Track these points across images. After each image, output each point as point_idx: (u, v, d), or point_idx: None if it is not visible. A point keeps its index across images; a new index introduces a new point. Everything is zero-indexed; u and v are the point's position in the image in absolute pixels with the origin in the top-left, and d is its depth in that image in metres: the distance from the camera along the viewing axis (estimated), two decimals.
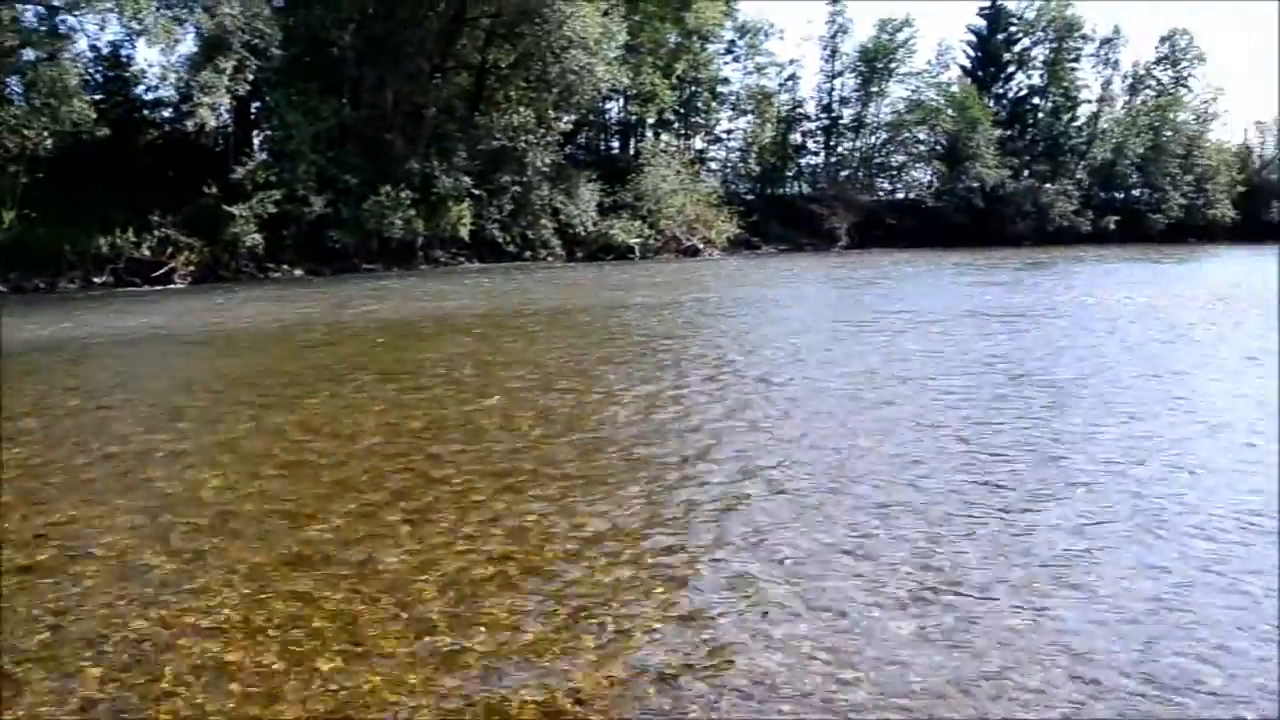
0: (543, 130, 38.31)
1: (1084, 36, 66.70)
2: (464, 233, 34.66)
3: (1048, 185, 62.49)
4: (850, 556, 5.92)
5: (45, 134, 26.69)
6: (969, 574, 5.68)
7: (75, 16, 28.13)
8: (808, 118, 60.43)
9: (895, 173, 63.94)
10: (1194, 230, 67.50)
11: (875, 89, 59.90)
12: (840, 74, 60.22)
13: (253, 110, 34.65)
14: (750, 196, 54.92)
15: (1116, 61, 68.88)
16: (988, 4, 66.17)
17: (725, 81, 55.64)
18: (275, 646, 4.75)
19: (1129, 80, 70.43)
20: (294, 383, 12.27)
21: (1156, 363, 13.88)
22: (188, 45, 30.18)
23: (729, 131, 57.77)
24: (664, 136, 51.72)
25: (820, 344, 15.71)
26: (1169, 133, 68.57)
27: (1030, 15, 66.06)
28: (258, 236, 29.53)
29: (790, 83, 58.80)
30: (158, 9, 28.24)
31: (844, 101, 60.59)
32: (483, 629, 4.93)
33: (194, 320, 19.42)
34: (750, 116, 57.03)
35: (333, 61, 33.42)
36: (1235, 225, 69.68)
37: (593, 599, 5.31)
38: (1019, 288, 27.58)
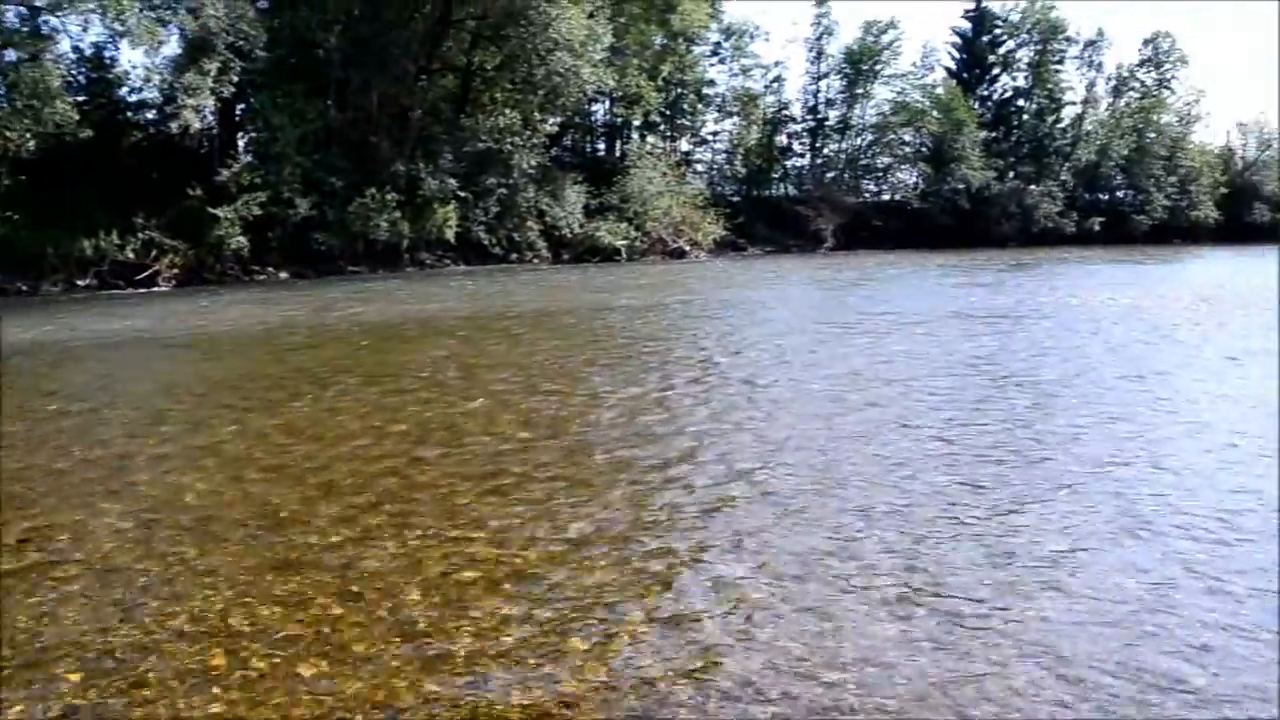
0: (528, 132, 38.26)
1: (1068, 39, 67.04)
2: (450, 235, 34.60)
3: (1032, 187, 62.71)
4: (835, 558, 5.94)
5: (28, 136, 26.58)
6: (953, 576, 5.70)
7: (58, 17, 27.98)
8: (793, 119, 60.59)
9: (881, 174, 64.09)
10: (1178, 231, 67.86)
11: (860, 91, 60.02)
12: (825, 76, 60.38)
13: (238, 112, 34.50)
14: (736, 198, 54.93)
15: (1100, 64, 69.25)
16: (972, 6, 66.45)
17: (711, 83, 55.74)
18: (259, 651, 4.74)
19: (1113, 82, 70.79)
20: (278, 386, 12.24)
21: (1140, 363, 13.94)
22: (172, 47, 30.11)
23: (715, 133, 57.90)
24: (650, 138, 51.75)
25: (805, 346, 15.73)
26: (1152, 134, 68.91)
27: (1015, 18, 66.36)
28: (243, 239, 29.41)
29: (776, 85, 58.96)
30: (141, 10, 28.09)
31: (829, 103, 60.73)
32: (468, 632, 4.93)
33: (178, 323, 19.34)
34: (736, 118, 57.13)
35: (318, 63, 33.32)
36: (1218, 226, 70.10)
37: (578, 602, 5.31)
38: (1003, 289, 27.67)
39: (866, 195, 62.38)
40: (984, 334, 17.02)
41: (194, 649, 4.76)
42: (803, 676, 4.48)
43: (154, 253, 28.00)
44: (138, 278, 27.26)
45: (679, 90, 52.06)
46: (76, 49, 30.63)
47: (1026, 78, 67.27)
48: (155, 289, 27.11)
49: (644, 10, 44.44)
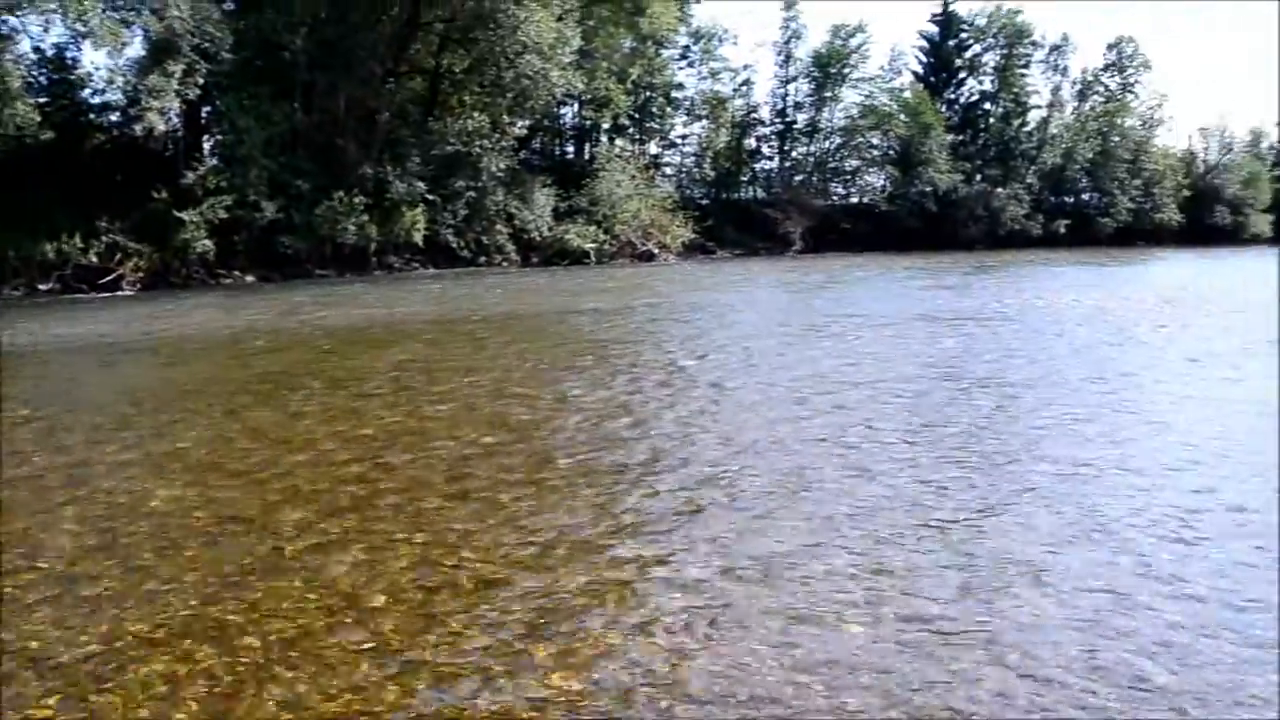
0: (497, 135, 38.18)
1: (1034, 43, 67.81)
2: (418, 238, 34.47)
3: (999, 190, 63.22)
4: (802, 562, 5.96)
5: None
6: (919, 579, 5.73)
7: (17, 17, 27.61)
8: (762, 123, 60.85)
9: (849, 177, 64.37)
10: (1141, 234, 68.69)
11: (829, 94, 60.30)
12: (794, 79, 60.65)
13: (203, 115, 34.24)
14: (705, 201, 55.02)
15: (1065, 68, 70.11)
16: (939, 11, 66.97)
17: (680, 87, 55.84)
18: (225, 659, 4.71)
19: (1078, 86, 71.66)
20: (242, 391, 12.15)
21: (1104, 365, 14.08)
22: (135, 48, 29.79)
23: (684, 136, 58.01)
24: (619, 141, 51.76)
25: (772, 349, 15.77)
26: (1117, 138, 69.70)
27: (981, 22, 66.98)
28: (208, 242, 29.17)
29: (745, 88, 59.16)
30: (103, 11, 27.82)
31: (798, 106, 60.99)
32: (435, 639, 4.92)
33: (142, 327, 19.15)
34: (705, 121, 57.25)
35: (284, 66, 33.09)
36: (1181, 229, 71.10)
37: (545, 608, 5.31)
38: (970, 291, 27.86)
39: (835, 198, 62.65)
40: (950, 336, 17.14)
41: (158, 657, 4.73)
42: (770, 680, 4.50)
43: (118, 256, 27.72)
44: (101, 281, 26.96)
45: (648, 93, 52.12)
46: (38, 49, 30.30)
47: (993, 81, 67.93)
48: (119, 293, 26.83)
49: (613, 13, 44.40)
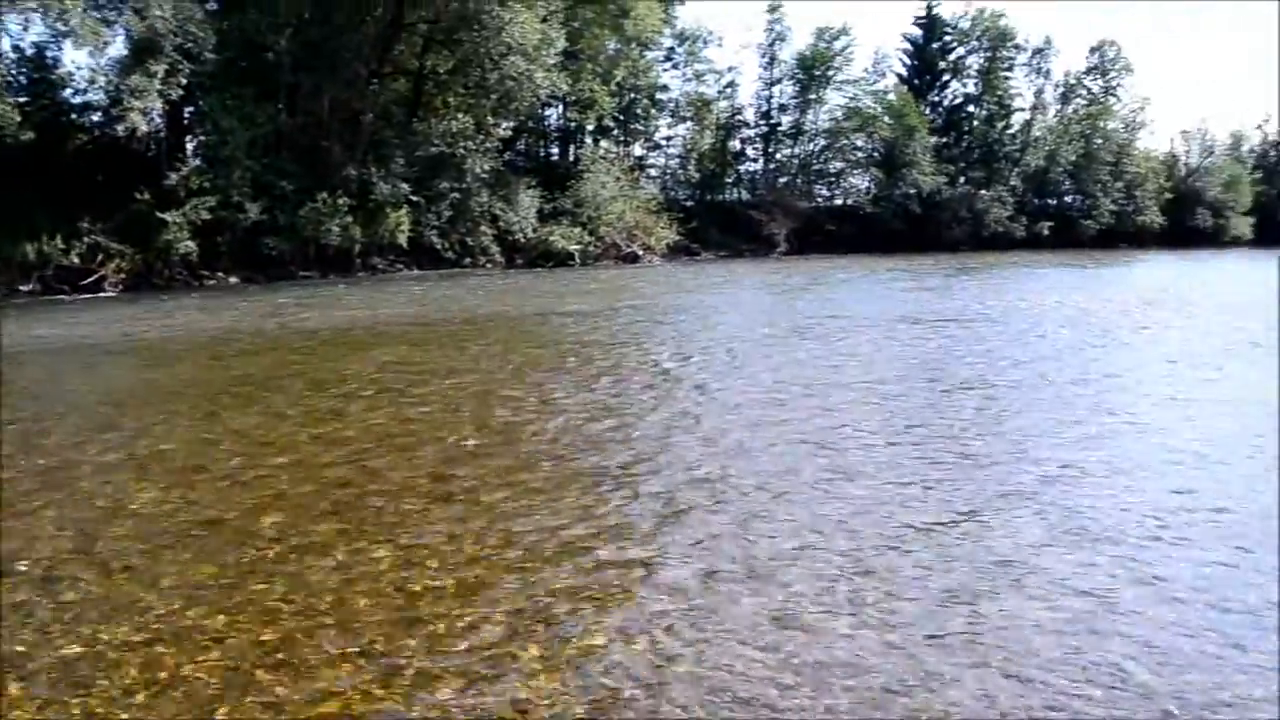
0: (481, 137, 38.11)
1: (1017, 46, 68.10)
2: (402, 240, 34.37)
3: (983, 192, 63.48)
4: (787, 564, 5.97)
5: None
6: (904, 580, 5.75)
7: None
8: (746, 124, 60.90)
9: (833, 179, 64.50)
10: (1124, 236, 69.07)
11: (813, 96, 60.41)
12: (778, 81, 60.76)
13: (186, 115, 34.06)
14: (690, 203, 55.02)
15: (1048, 71, 70.44)
16: (923, 13, 67.19)
17: (664, 88, 55.81)
18: (207, 661, 4.69)
19: (1060, 89, 72.01)
20: (225, 393, 12.09)
21: (1087, 366, 14.15)
22: (117, 48, 29.61)
23: (668, 138, 57.99)
24: (603, 143, 51.69)
25: (756, 351, 15.80)
26: (1099, 141, 70.05)
27: (965, 25, 67.23)
28: (191, 244, 29.01)
29: (729, 90, 59.20)
30: (84, 10, 27.64)
31: (782, 108, 61.10)
32: (418, 642, 4.91)
33: (124, 329, 19.05)
34: (689, 123, 57.23)
35: (268, 66, 32.97)
36: (1163, 231, 71.57)
37: (530, 611, 5.30)
38: (953, 293, 27.95)
39: (819, 200, 62.77)
40: (934, 338, 17.20)
41: (140, 660, 4.71)
42: (756, 681, 4.51)
43: (100, 257, 27.53)
44: (83, 283, 26.76)
45: (632, 95, 52.08)
46: (17, 48, 30.05)
47: (976, 84, 68.19)
48: (101, 294, 26.66)
49: (597, 15, 44.39)
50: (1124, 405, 11.32)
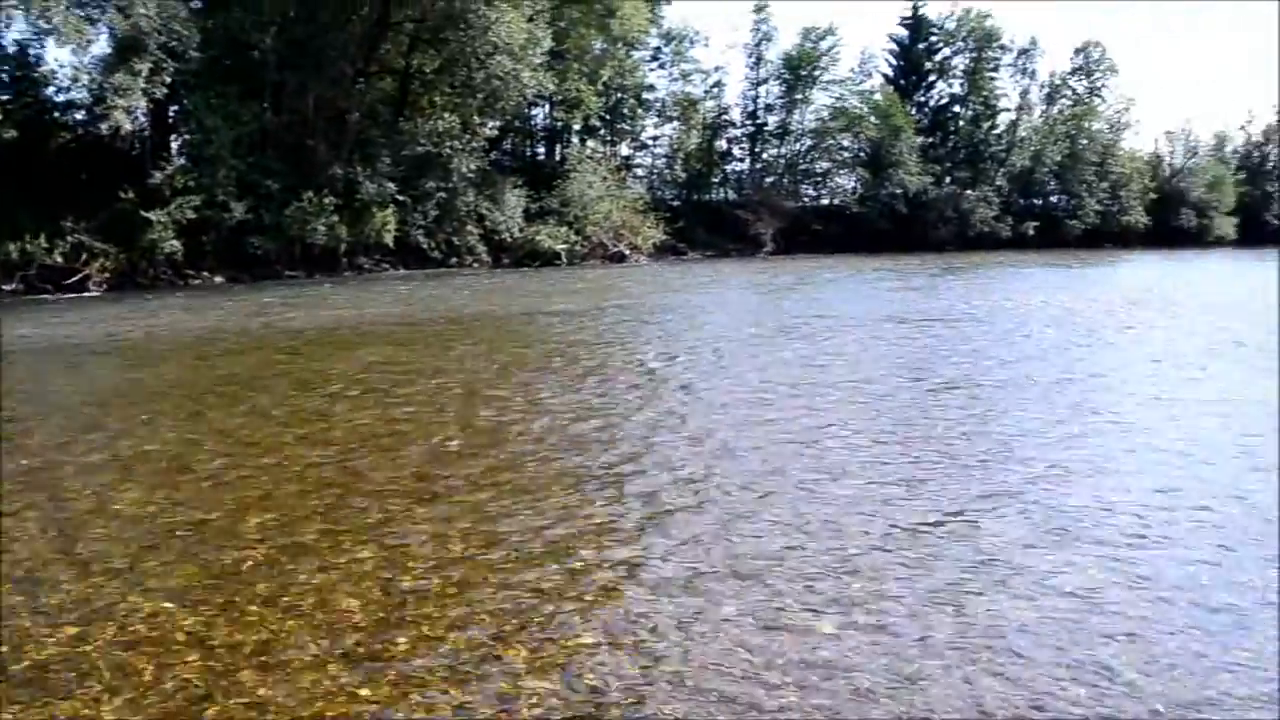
0: (468, 136, 38.05)
1: (1002, 47, 68.32)
2: (388, 239, 34.31)
3: (969, 192, 63.68)
4: (773, 563, 5.97)
5: None
6: (891, 579, 5.76)
7: None
8: (733, 124, 60.95)
9: (820, 179, 64.64)
10: (1109, 236, 69.37)
11: (800, 96, 60.50)
12: (765, 81, 60.86)
13: (170, 114, 33.93)
14: (676, 203, 55.05)
15: (1034, 71, 70.70)
16: (909, 14, 67.34)
17: (651, 88, 55.84)
18: (192, 663, 4.67)
19: (1046, 90, 72.27)
20: (209, 393, 12.04)
21: (1073, 366, 14.20)
22: (101, 46, 29.48)
23: (655, 138, 57.99)
24: (590, 143, 51.65)
25: (741, 351, 15.81)
26: (1084, 141, 70.34)
27: (951, 25, 67.42)
28: (176, 243, 28.90)
29: (716, 89, 59.24)
30: (67, 8, 27.51)
31: (769, 108, 61.18)
32: (405, 643, 4.90)
33: (108, 329, 18.96)
34: (676, 123, 57.22)
35: (253, 65, 32.88)
36: (1148, 231, 71.94)
37: (517, 611, 5.29)
38: (939, 293, 28.02)
39: (805, 200, 62.90)
40: (920, 338, 17.23)
41: (123, 661, 4.68)
42: (742, 679, 4.51)
43: (84, 256, 27.39)
44: (66, 282, 26.63)
45: (619, 95, 52.06)
46: None
47: (962, 84, 68.41)
48: (86, 294, 26.53)
49: (584, 15, 44.38)
50: (1108, 405, 11.35)
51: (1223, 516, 6.92)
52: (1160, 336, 17.92)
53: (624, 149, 56.29)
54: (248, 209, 30.53)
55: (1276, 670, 4.62)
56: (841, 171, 63.86)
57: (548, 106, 48.83)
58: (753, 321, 20.82)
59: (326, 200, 32.01)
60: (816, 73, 60.23)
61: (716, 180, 60.35)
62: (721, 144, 60.27)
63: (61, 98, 32.11)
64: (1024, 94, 70.77)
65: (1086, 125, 71.09)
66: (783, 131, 61.20)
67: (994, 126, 69.31)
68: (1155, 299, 26.45)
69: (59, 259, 26.74)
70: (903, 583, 5.69)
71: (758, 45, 60.16)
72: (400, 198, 34.72)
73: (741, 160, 61.71)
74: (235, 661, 4.69)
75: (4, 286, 25.71)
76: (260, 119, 32.56)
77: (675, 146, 57.10)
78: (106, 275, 27.84)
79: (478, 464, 8.33)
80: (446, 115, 37.84)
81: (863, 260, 45.50)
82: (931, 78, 68.28)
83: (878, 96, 62.53)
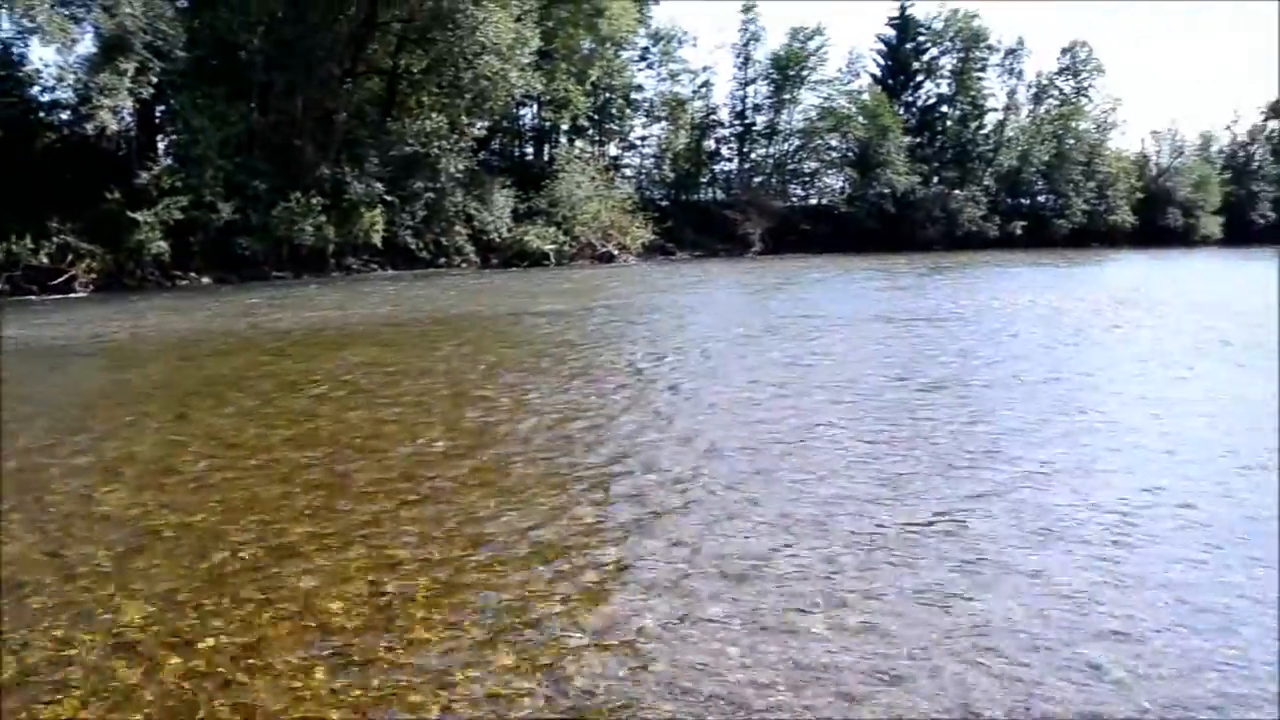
0: (456, 136, 38.00)
1: (989, 47, 68.58)
2: (376, 239, 34.26)
3: (956, 191, 63.85)
4: (762, 564, 5.97)
5: None
6: (878, 579, 5.76)
7: None
8: (721, 124, 61.03)
9: (808, 179, 64.78)
10: (1096, 235, 69.62)
11: (788, 96, 60.63)
12: (753, 81, 60.95)
13: (157, 114, 33.81)
14: (665, 203, 55.12)
15: (1021, 71, 70.96)
16: (897, 14, 67.50)
17: (639, 88, 55.93)
18: (179, 666, 4.65)
19: (1033, 90, 72.53)
20: (196, 394, 12.00)
21: (1060, 366, 14.23)
22: (86, 45, 29.36)
23: (643, 138, 58.08)
24: (578, 143, 51.67)
25: (729, 351, 15.82)
26: (1071, 141, 70.63)
27: (938, 25, 67.59)
28: (163, 244, 28.80)
29: (704, 89, 59.37)
30: (51, 7, 27.39)
31: (757, 108, 61.27)
32: (393, 645, 4.88)
33: (94, 330, 18.88)
34: (664, 123, 57.34)
35: (240, 65, 32.80)
36: (1134, 230, 72.22)
37: (507, 612, 5.28)
38: (927, 292, 28.07)
39: (794, 200, 63.03)
40: (908, 337, 17.26)
41: (109, 664, 4.66)
42: (731, 681, 4.51)
43: (70, 257, 27.27)
44: (52, 283, 26.50)
45: (607, 95, 52.08)
46: None
47: (950, 84, 68.62)
48: (72, 295, 26.43)
49: (572, 14, 44.39)
50: (1095, 404, 11.39)
51: (1209, 515, 6.94)
52: (1147, 336, 17.98)
53: (612, 149, 56.41)
54: (235, 209, 30.45)
55: (1263, 670, 4.64)
56: (829, 171, 64.08)
57: (536, 106, 48.81)
58: (740, 321, 20.83)
59: (314, 201, 31.95)
60: (804, 73, 60.37)
61: (705, 180, 60.43)
62: (710, 144, 60.39)
63: (46, 97, 32.05)
64: (1011, 94, 71.09)
65: (1073, 125, 71.39)
66: (771, 131, 61.32)
67: (981, 126, 69.53)
68: (1142, 298, 26.54)
69: (45, 260, 26.62)
70: (891, 582, 5.70)
71: (746, 45, 60.30)
72: (388, 198, 34.67)
73: (730, 160, 61.88)
74: (222, 664, 4.67)
75: None
76: (247, 119, 32.48)
77: (663, 146, 57.19)
78: (93, 276, 27.73)
79: (464, 465, 8.32)
80: (434, 115, 37.78)
81: (851, 260, 45.58)
82: (919, 78, 68.46)
83: (865, 96, 62.66)
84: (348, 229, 33.39)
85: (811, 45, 60.08)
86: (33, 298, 25.45)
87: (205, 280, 30.31)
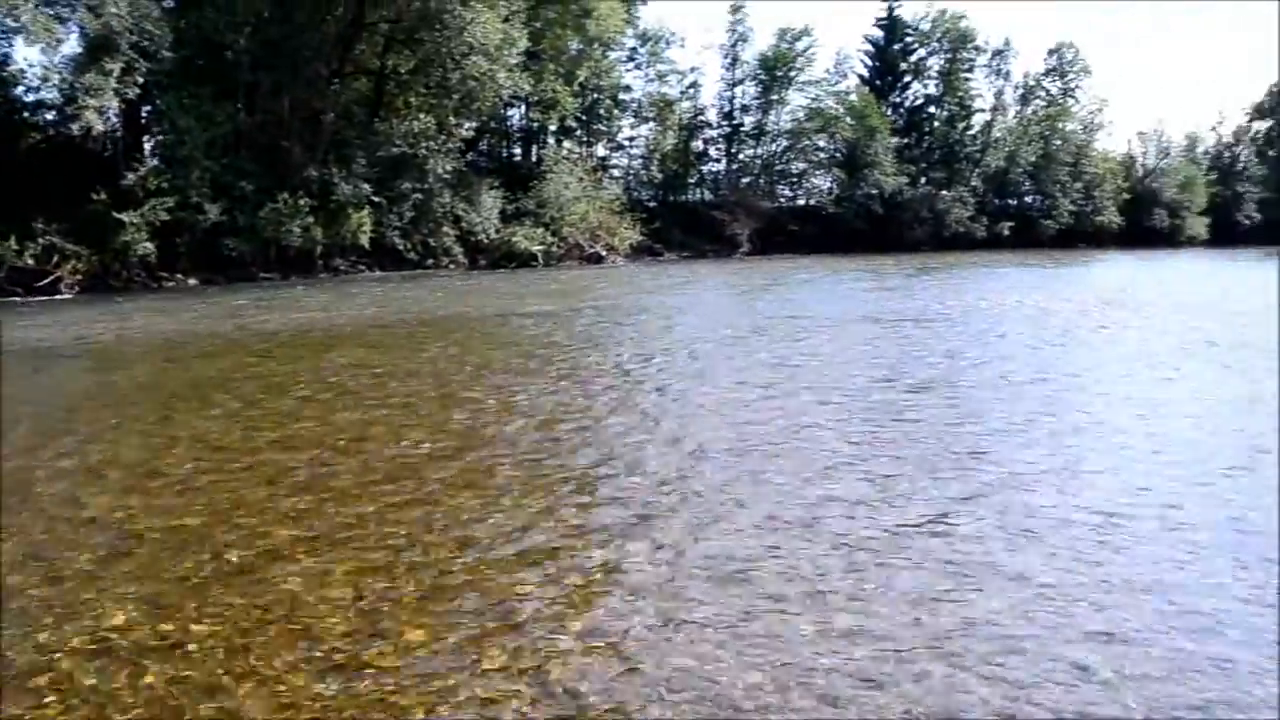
0: (444, 137, 37.96)
1: (977, 48, 68.84)
2: (364, 241, 34.21)
3: (944, 192, 64.10)
4: (751, 565, 5.97)
5: None
6: (866, 580, 5.76)
7: None
8: (709, 125, 61.17)
9: (796, 180, 64.95)
10: (1083, 236, 69.97)
11: (775, 97, 60.76)
12: (741, 82, 61.07)
13: (143, 114, 33.67)
14: (653, 203, 55.20)
15: (1008, 72, 71.28)
16: (885, 15, 67.67)
17: (627, 89, 55.99)
18: (164, 670, 4.63)
19: (1020, 90, 72.86)
20: (181, 397, 11.95)
21: (1047, 366, 14.27)
22: (71, 45, 29.24)
23: (631, 139, 58.14)
24: (566, 144, 51.67)
25: (717, 352, 15.82)
26: (1058, 141, 71.01)
27: (926, 26, 67.83)
28: (149, 245, 28.70)
29: (692, 90, 59.46)
30: (36, 6, 27.26)
31: (745, 109, 61.40)
32: (380, 648, 4.86)
33: (80, 331, 18.80)
34: (652, 124, 57.39)
35: (227, 65, 32.68)
36: (1121, 231, 72.63)
37: (495, 614, 5.27)
38: (915, 293, 28.13)
39: (782, 200, 63.18)
40: (895, 338, 17.29)
41: (95, 669, 4.64)
42: (720, 682, 4.51)
43: (55, 259, 27.15)
44: (38, 285, 26.38)
45: (595, 95, 52.12)
46: None
47: (937, 85, 68.87)
48: (57, 296, 26.31)
49: (560, 15, 44.38)
50: (1082, 405, 11.42)
51: (1194, 516, 6.96)
52: (1134, 336, 18.04)
53: (600, 150, 56.46)
54: (222, 210, 30.36)
55: (1250, 671, 4.65)
56: (817, 172, 64.24)
57: (524, 107, 48.83)
58: (728, 323, 20.84)
59: (301, 202, 31.88)
60: (792, 73, 60.53)
61: (693, 181, 60.53)
62: (698, 145, 60.49)
63: (31, 97, 31.89)
64: (998, 95, 71.42)
65: (1060, 126, 71.78)
66: (759, 132, 61.45)
67: (969, 127, 69.84)
68: (1128, 299, 26.65)
69: (30, 261, 26.50)
70: (878, 584, 5.70)
71: (733, 46, 60.45)
72: (376, 199, 34.61)
73: (718, 161, 62.00)
74: (208, 669, 4.65)
75: None
76: (234, 120, 32.39)
77: (651, 147, 57.26)
78: (78, 277, 27.62)
79: (451, 467, 8.30)
80: (422, 116, 37.74)
81: (838, 261, 45.67)
82: (907, 79, 68.71)
83: (853, 97, 62.82)
84: (335, 230, 33.32)
85: (799, 46, 60.29)
86: (17, 299, 25.32)
87: (192, 282, 30.21)
